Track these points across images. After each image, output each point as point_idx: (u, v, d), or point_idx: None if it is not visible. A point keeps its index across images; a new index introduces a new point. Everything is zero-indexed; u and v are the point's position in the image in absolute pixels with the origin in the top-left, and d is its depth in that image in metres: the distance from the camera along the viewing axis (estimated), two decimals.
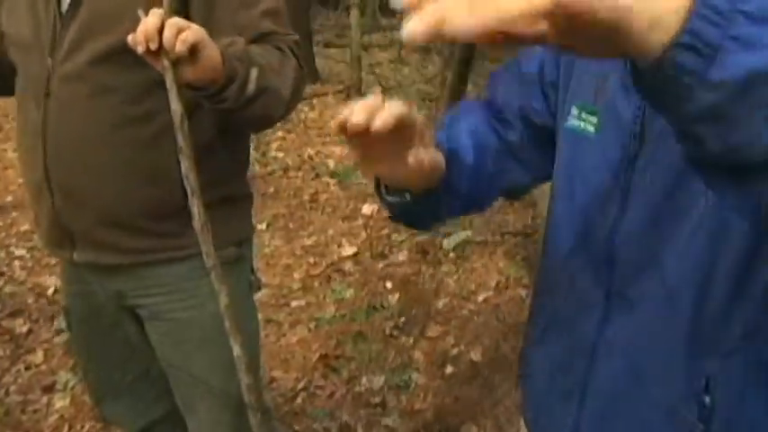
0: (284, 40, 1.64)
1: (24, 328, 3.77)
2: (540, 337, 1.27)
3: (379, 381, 3.30)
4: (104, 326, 1.94)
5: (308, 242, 4.65)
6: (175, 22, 1.29)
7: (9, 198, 5.44)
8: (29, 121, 1.67)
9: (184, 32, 1.29)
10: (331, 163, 5.99)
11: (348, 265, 4.35)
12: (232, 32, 1.54)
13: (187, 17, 1.43)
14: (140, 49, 1.27)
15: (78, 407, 3.14)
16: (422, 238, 4.55)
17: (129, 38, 1.28)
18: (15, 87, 1.76)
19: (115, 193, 1.64)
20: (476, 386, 3.30)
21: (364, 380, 3.31)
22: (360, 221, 4.92)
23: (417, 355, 3.52)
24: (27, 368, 3.44)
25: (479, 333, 3.70)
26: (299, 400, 3.20)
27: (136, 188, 1.65)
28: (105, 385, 2.03)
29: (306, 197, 5.38)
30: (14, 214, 5.13)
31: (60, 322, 3.77)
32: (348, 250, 4.50)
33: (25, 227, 4.88)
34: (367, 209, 5.05)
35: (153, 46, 1.26)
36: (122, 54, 1.50)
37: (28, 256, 4.52)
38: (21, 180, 5.71)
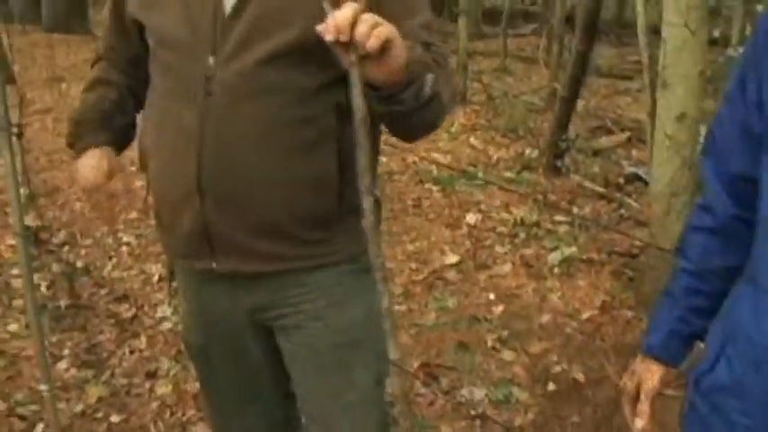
0: (439, 52, 1.57)
1: (130, 313, 3.85)
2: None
3: (479, 393, 3.24)
4: (232, 353, 1.87)
5: (411, 248, 4.62)
6: (371, 16, 1.23)
7: (118, 185, 5.55)
8: (176, 124, 1.60)
9: (378, 28, 1.23)
10: (434, 169, 5.95)
11: (451, 274, 4.30)
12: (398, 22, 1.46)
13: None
14: (330, 38, 1.20)
15: (180, 394, 3.18)
16: (527, 251, 4.48)
17: (319, 27, 1.20)
18: (149, 92, 1.72)
19: (274, 198, 1.58)
20: (578, 406, 3.22)
21: (465, 391, 3.26)
22: (463, 230, 4.86)
23: (518, 370, 3.45)
24: (131, 352, 3.50)
25: (583, 352, 3.61)
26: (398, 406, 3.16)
27: (296, 193, 1.59)
28: (232, 415, 1.99)
29: (409, 202, 5.35)
30: (123, 202, 5.23)
31: (164, 309, 3.84)
32: (451, 258, 4.45)
33: (133, 214, 4.99)
34: (471, 218, 4.99)
35: (344, 38, 1.18)
36: (294, 53, 1.48)
37: (135, 243, 4.61)
38: (131, 170, 5.91)
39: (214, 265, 1.68)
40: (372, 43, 1.21)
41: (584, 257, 4.41)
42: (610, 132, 7.26)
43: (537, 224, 4.69)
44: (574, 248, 4.44)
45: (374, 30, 1.21)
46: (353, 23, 1.18)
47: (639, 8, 4.08)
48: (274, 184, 1.57)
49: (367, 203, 1.18)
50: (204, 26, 1.55)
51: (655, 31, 3.61)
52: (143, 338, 3.61)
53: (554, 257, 4.35)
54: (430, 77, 1.43)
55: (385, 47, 1.25)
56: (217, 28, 1.54)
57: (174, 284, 1.98)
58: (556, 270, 4.28)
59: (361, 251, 1.29)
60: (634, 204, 5.16)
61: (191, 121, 1.57)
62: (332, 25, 1.17)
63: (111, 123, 1.85)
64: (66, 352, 3.48)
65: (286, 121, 1.54)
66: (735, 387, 1.28)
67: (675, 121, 3.51)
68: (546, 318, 3.86)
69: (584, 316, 3.89)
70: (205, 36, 1.55)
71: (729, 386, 1.29)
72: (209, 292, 1.80)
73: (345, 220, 1.63)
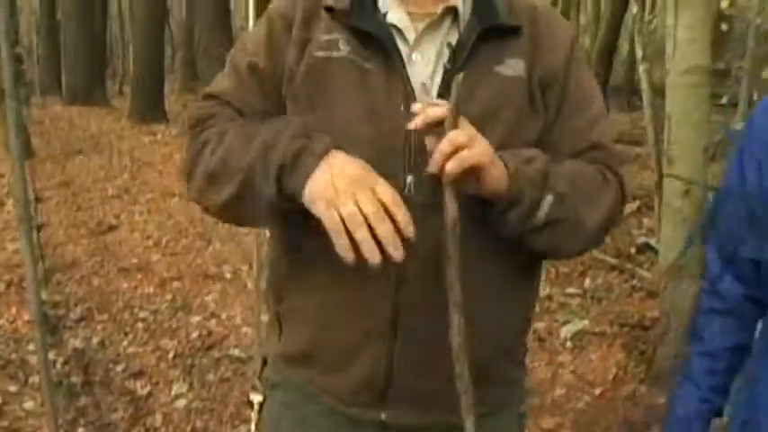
0: (612, 159, 1.46)
1: (144, 391, 3.88)
2: None
3: None
4: None
5: None
6: (455, 138, 1.22)
7: (134, 260, 5.65)
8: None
9: (463, 152, 1.21)
10: None
11: None
12: (565, 137, 1.43)
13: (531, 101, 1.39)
14: (411, 126, 1.24)
15: None
16: (539, 324, 4.49)
17: (411, 124, 1.24)
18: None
19: (484, 337, 1.37)
20: None
21: None
22: None
23: None
24: (147, 431, 3.52)
25: (594, 427, 3.60)
26: None
27: (500, 331, 1.45)
28: None
29: None
30: (139, 276, 5.32)
31: (180, 387, 3.87)
32: None
33: (149, 289, 5.06)
34: None
35: (430, 165, 1.23)
36: None
37: (151, 318, 4.66)
38: (147, 244, 6.04)
39: (383, 415, 1.44)
40: (452, 168, 1.21)
41: (597, 330, 4.42)
42: None
43: (549, 297, 4.71)
44: (586, 321, 4.46)
45: (459, 153, 1.21)
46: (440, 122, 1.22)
47: (644, 85, 4.15)
48: (484, 322, 1.36)
49: (455, 321, 1.20)
50: (394, 155, 1.37)
51: (663, 93, 3.66)
52: (158, 416, 3.63)
53: (566, 331, 4.36)
54: (547, 201, 1.33)
55: (472, 170, 1.24)
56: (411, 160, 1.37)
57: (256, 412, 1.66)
58: (568, 344, 4.30)
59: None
60: (646, 275, 5.18)
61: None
62: (421, 122, 1.24)
63: None
64: (80, 431, 3.50)
65: (492, 247, 1.39)
66: None
67: (682, 196, 3.56)
68: (559, 392, 3.86)
69: (597, 390, 3.88)
70: (396, 167, 1.36)
71: None
72: None
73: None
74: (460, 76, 1.24)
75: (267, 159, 1.28)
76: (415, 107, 1.25)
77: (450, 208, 1.22)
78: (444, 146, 1.21)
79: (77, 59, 14.34)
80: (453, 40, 1.41)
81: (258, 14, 3.16)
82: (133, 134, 10.82)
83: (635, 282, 5.14)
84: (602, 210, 1.41)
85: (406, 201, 1.28)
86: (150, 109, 12.05)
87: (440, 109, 1.24)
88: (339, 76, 1.37)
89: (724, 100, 8.49)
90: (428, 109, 1.24)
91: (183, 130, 10.34)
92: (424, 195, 1.33)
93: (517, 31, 1.42)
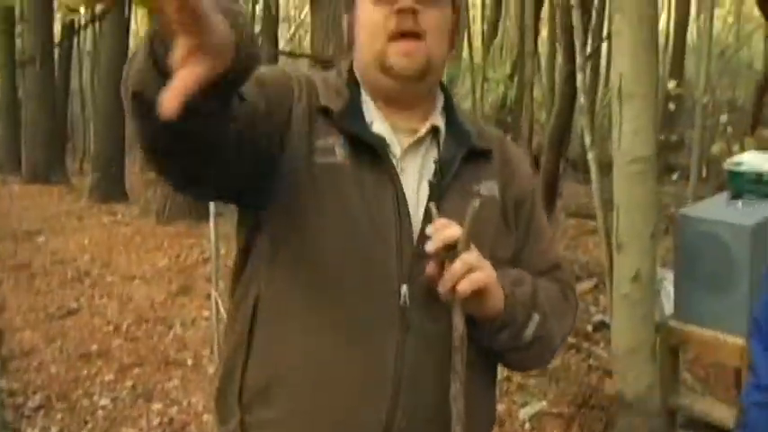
0: (570, 278, 1.63)
1: None
2: None
3: None
4: None
5: None
6: (468, 259, 1.33)
7: (94, 346, 5.62)
8: (349, 361, 1.41)
9: (475, 273, 1.32)
10: None
11: None
12: (533, 258, 1.57)
13: (505, 221, 1.50)
14: (430, 248, 1.34)
15: None
16: (499, 407, 4.53)
17: (428, 246, 1.34)
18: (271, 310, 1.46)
19: None
20: None
21: None
22: None
23: None
24: None
25: None
26: None
27: (483, 428, 1.56)
28: None
29: None
30: (99, 363, 5.29)
31: None
32: None
33: (110, 376, 5.03)
34: None
35: (441, 283, 1.34)
36: None
37: (111, 406, 4.63)
38: (108, 329, 6.01)
39: None
40: (464, 287, 1.32)
41: (555, 411, 4.48)
42: (578, 279, 7.42)
43: (508, 378, 4.77)
44: (544, 402, 4.52)
45: (470, 274, 1.32)
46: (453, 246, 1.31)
47: (593, 171, 4.29)
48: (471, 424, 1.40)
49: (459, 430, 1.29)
50: (390, 251, 1.43)
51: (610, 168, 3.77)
52: None
53: (525, 413, 4.42)
54: (534, 321, 1.46)
55: (479, 292, 1.35)
56: (409, 255, 1.43)
57: None
58: (527, 425, 4.35)
59: None
60: (602, 354, 5.27)
61: (383, 353, 1.41)
62: (438, 242, 1.33)
63: None
64: None
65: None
66: None
67: (631, 281, 3.67)
68: None
69: None
70: (393, 263, 1.43)
71: None
72: None
73: None
74: (477, 201, 1.35)
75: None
76: (429, 229, 1.36)
77: (458, 325, 1.35)
78: (458, 266, 1.32)
79: (37, 137, 14.32)
80: (432, 156, 1.52)
81: None
82: (93, 214, 10.78)
83: (591, 361, 5.23)
84: (566, 328, 1.57)
85: (402, 310, 1.39)
86: (111, 188, 12.05)
87: (454, 231, 1.34)
88: (336, 183, 1.43)
89: (675, 176, 8.74)
90: (444, 231, 1.34)
91: (144, 210, 10.36)
92: (418, 305, 1.41)
93: (489, 154, 1.56)
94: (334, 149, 1.44)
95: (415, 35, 1.44)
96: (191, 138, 1.17)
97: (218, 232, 4.66)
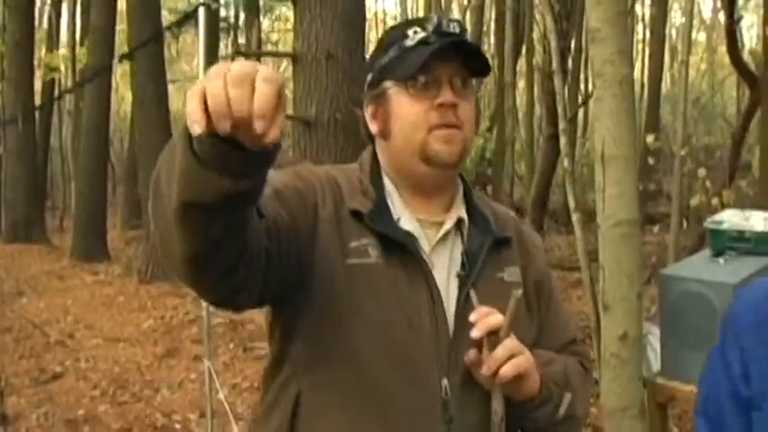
0: (585, 352, 1.73)
1: None
2: None
3: None
4: None
5: None
6: (510, 346, 1.42)
7: (81, 411, 5.58)
8: None
9: (516, 358, 1.42)
10: None
11: None
12: (554, 334, 1.66)
13: (528, 303, 1.58)
14: (475, 335, 1.42)
15: None
16: None
17: (474, 332, 1.42)
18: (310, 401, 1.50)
19: None
20: None
21: None
22: None
23: None
24: None
25: None
26: None
27: None
28: None
29: None
30: (86, 428, 5.25)
31: None
32: None
33: None
34: None
35: (485, 368, 1.42)
36: None
37: None
38: (94, 393, 5.96)
39: None
40: (507, 372, 1.41)
41: None
42: None
43: None
44: None
45: (512, 359, 1.41)
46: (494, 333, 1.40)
47: (578, 235, 4.36)
48: None
49: None
50: (429, 344, 1.49)
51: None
52: None
53: None
54: (567, 399, 1.55)
55: (519, 377, 1.43)
56: (447, 347, 1.50)
57: None
58: None
59: None
60: (592, 410, 5.27)
61: None
62: (483, 329, 1.42)
63: None
64: None
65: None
66: None
67: (618, 341, 3.71)
68: None
69: None
70: (431, 354, 1.48)
71: None
72: None
73: None
74: (519, 292, 1.44)
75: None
76: (473, 317, 1.44)
77: (498, 409, 1.42)
78: (501, 352, 1.41)
79: (18, 195, 14.31)
80: (458, 248, 1.59)
81: None
82: (75, 273, 10.75)
83: None
84: (588, 399, 1.69)
85: (444, 403, 1.46)
86: (92, 247, 12.02)
87: (497, 319, 1.43)
88: (371, 283, 1.48)
89: (656, 229, 8.85)
90: (487, 319, 1.43)
91: (126, 269, 10.35)
92: (458, 396, 1.48)
93: (509, 241, 1.64)
94: (368, 250, 1.49)
95: (455, 126, 1.53)
96: (226, 246, 1.24)
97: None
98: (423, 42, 1.51)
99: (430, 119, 1.51)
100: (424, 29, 1.53)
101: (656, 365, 3.92)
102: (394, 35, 1.58)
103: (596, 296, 4.01)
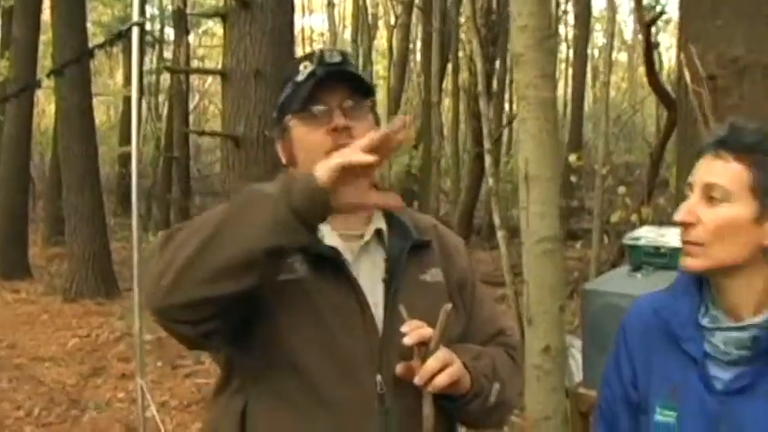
0: (513, 341, 1.86)
1: None
2: None
3: None
4: None
5: None
6: (441, 357, 1.54)
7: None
8: None
9: (450, 368, 1.54)
10: None
11: None
12: (480, 327, 1.79)
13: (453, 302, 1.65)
14: (408, 342, 1.53)
15: None
16: None
17: (406, 340, 1.54)
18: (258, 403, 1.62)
19: None
20: None
21: None
22: None
23: None
24: None
25: None
26: None
27: None
28: None
29: None
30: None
31: None
32: None
33: None
34: None
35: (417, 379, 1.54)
36: None
37: None
38: (18, 414, 5.82)
39: None
40: (442, 381, 1.53)
41: None
42: None
43: None
44: None
45: (446, 369, 1.54)
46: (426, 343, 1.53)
47: (504, 252, 4.48)
48: None
49: None
50: (361, 344, 1.61)
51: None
52: None
53: None
54: (495, 389, 1.69)
55: (452, 383, 1.55)
56: (378, 345, 1.63)
57: None
58: None
59: None
60: (518, 421, 5.39)
61: None
62: (416, 337, 1.54)
63: None
64: None
65: None
66: None
67: (542, 353, 3.83)
68: None
69: None
70: (364, 354, 1.61)
71: None
72: None
73: None
74: (449, 306, 1.56)
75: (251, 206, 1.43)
76: (404, 328, 1.55)
77: (429, 415, 1.53)
78: (434, 364, 1.53)
79: None
80: (380, 255, 1.71)
81: None
82: None
83: (506, 429, 5.34)
84: (518, 386, 1.84)
85: (380, 397, 1.59)
86: (13, 264, 11.70)
87: (426, 332, 1.55)
88: (300, 296, 1.60)
89: (578, 245, 9.08)
90: (418, 331, 1.55)
91: (48, 287, 10.12)
92: (393, 390, 1.60)
93: (429, 244, 1.77)
94: (294, 265, 1.60)
95: None
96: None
97: (141, 310, 4.62)
98: (311, 75, 1.66)
99: (326, 144, 1.63)
100: (312, 62, 1.68)
101: (578, 376, 4.05)
102: (289, 72, 1.73)
103: (520, 310, 4.13)
